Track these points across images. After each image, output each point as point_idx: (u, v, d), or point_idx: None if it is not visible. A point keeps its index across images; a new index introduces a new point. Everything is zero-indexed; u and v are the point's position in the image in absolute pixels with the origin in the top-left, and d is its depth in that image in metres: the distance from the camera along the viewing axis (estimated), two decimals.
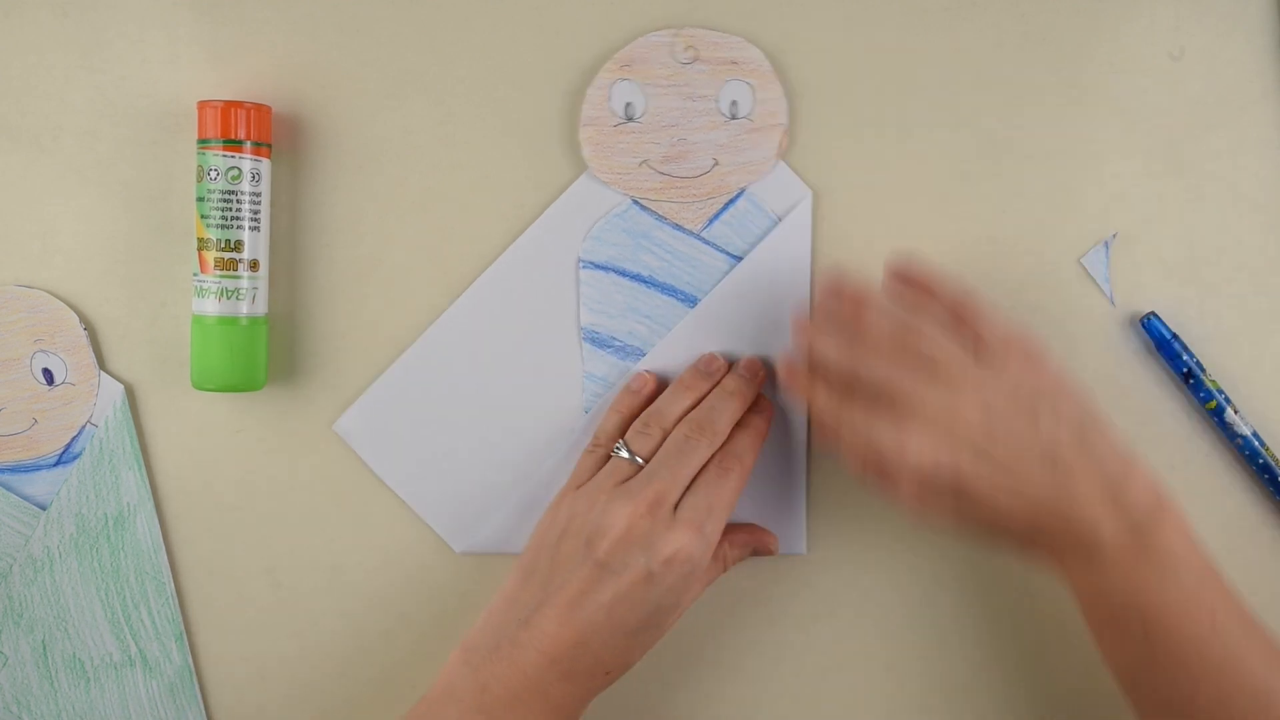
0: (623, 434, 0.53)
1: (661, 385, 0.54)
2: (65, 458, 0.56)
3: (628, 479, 0.50)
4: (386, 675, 0.57)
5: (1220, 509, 0.55)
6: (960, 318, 0.49)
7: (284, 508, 0.56)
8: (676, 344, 0.54)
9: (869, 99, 0.54)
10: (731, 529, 0.53)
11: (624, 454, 0.51)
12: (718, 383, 0.53)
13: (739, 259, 0.54)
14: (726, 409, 0.52)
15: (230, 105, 0.52)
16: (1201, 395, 0.54)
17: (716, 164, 0.54)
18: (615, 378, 0.55)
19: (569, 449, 0.55)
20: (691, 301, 0.55)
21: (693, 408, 0.52)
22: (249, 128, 0.52)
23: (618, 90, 0.53)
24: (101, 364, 0.56)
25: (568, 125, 0.55)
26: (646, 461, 0.50)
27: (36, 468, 0.56)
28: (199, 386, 0.53)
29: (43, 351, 0.55)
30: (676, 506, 0.49)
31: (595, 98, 0.53)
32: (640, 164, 0.53)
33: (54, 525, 0.56)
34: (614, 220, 0.54)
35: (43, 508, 0.56)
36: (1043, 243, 0.55)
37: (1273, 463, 0.54)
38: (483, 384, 0.55)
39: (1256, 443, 0.54)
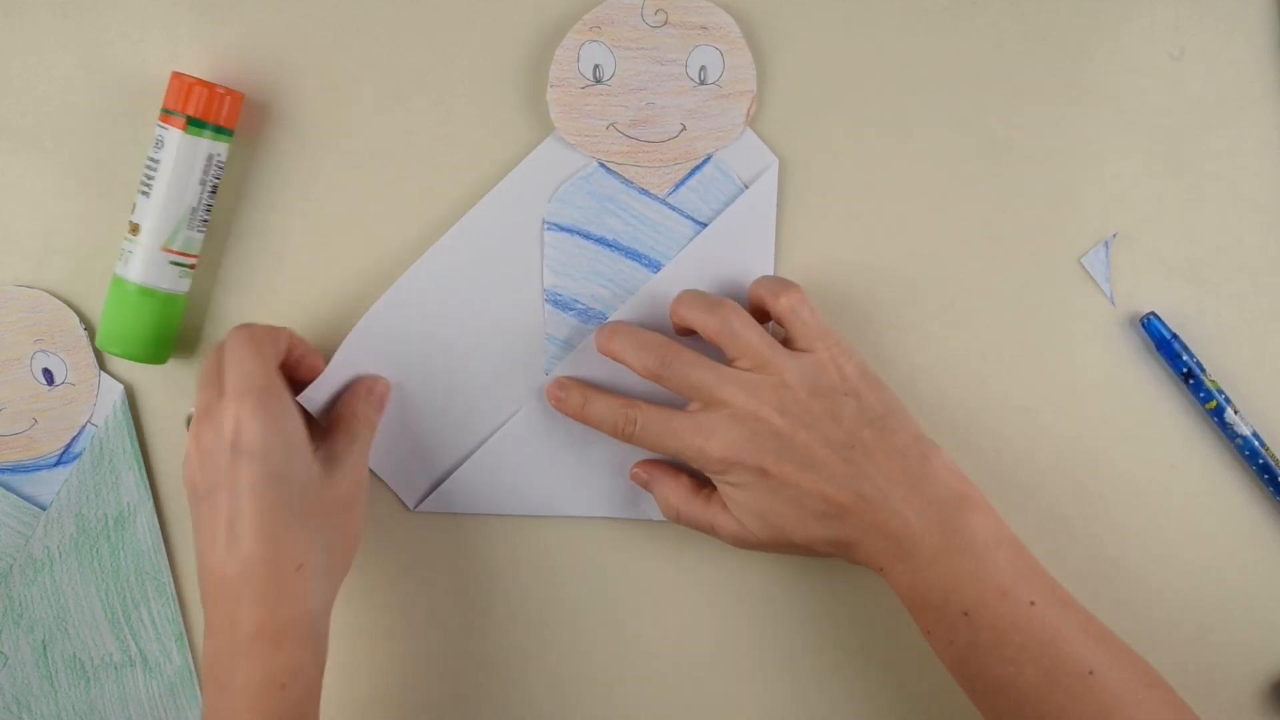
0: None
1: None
2: (65, 458, 0.56)
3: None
4: (385, 674, 0.57)
5: (1220, 509, 0.55)
6: (767, 320, 0.51)
7: None
8: (638, 308, 0.54)
9: (869, 98, 0.54)
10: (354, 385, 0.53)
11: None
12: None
13: (704, 225, 0.54)
14: (267, 334, 0.51)
15: (177, 75, 0.52)
16: (1201, 395, 0.54)
17: (684, 129, 0.54)
18: (577, 340, 0.55)
19: (529, 410, 0.55)
20: (655, 266, 0.55)
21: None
22: (185, 100, 0.52)
23: (586, 51, 0.53)
24: (101, 364, 0.56)
25: (534, 88, 0.54)
26: None
27: (36, 468, 0.56)
28: (100, 347, 0.54)
29: (43, 351, 0.55)
30: None
31: (564, 58, 0.53)
32: (607, 127, 0.53)
33: (54, 525, 0.56)
34: (579, 183, 0.54)
35: (43, 508, 0.56)
36: (1043, 243, 0.55)
37: (1273, 463, 0.54)
38: (445, 343, 0.55)
39: (1256, 443, 0.54)
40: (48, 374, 0.55)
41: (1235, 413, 0.54)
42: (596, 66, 0.53)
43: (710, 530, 0.51)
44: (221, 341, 0.50)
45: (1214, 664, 0.55)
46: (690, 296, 0.51)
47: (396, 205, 0.55)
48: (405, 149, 0.55)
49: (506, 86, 0.55)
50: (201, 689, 0.48)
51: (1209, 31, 0.54)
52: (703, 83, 0.53)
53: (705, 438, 0.48)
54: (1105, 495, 0.55)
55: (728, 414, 0.48)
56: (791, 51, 0.54)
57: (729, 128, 0.54)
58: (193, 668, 0.57)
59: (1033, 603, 0.46)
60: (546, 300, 0.55)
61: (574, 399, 0.52)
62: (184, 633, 0.56)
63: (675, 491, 0.52)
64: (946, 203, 0.55)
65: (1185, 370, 0.53)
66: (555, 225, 0.54)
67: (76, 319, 0.55)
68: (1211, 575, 0.55)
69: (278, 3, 0.55)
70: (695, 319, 0.50)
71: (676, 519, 0.52)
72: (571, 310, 0.55)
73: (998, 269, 0.55)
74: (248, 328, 0.50)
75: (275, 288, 0.56)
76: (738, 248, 0.54)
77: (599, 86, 0.53)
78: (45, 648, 0.56)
